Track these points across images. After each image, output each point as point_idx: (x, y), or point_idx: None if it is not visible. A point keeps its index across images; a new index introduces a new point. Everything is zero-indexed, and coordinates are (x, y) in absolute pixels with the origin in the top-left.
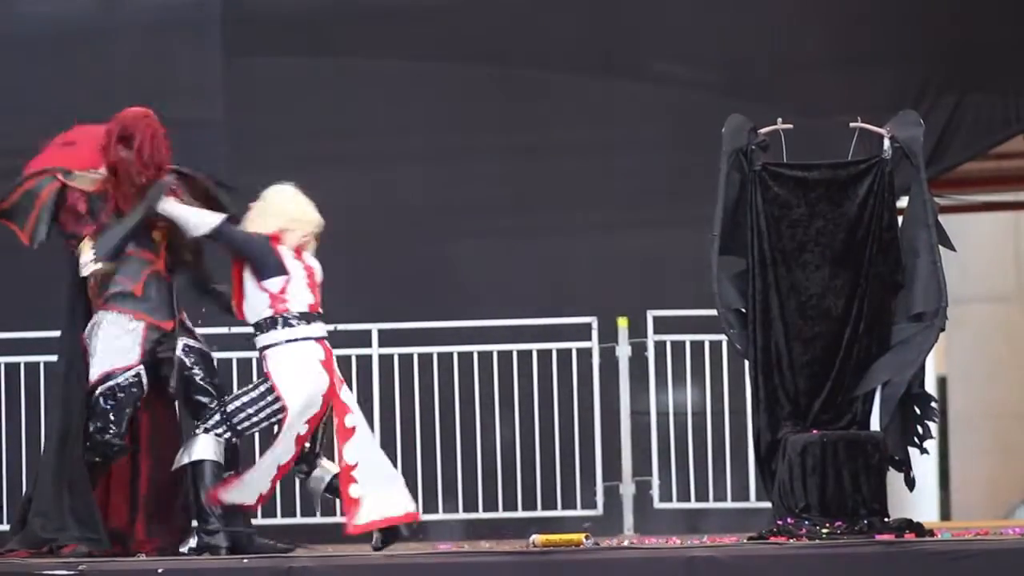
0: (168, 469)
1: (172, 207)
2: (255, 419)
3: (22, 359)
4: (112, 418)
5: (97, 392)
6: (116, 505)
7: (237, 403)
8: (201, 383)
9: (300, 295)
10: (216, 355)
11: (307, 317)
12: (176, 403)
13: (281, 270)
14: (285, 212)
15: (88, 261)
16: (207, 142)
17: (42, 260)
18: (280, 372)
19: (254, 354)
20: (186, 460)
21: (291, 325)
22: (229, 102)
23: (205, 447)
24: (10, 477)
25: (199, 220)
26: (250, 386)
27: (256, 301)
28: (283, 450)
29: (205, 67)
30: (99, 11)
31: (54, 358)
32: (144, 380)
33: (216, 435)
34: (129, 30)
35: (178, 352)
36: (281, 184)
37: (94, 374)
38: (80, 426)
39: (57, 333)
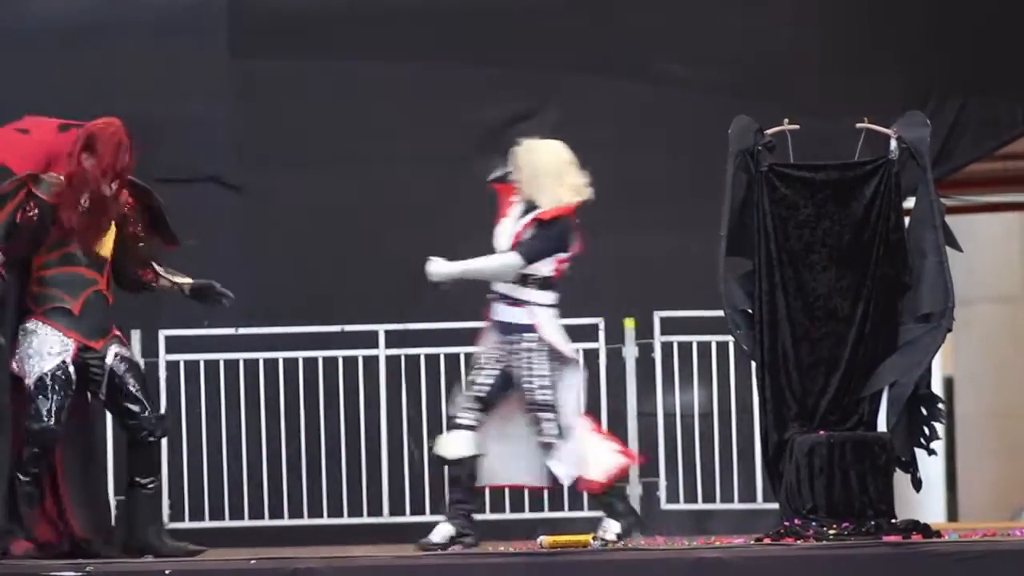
0: (79, 465)
1: (461, 267)
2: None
3: None
4: (43, 407)
5: (27, 382)
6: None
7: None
8: (132, 391)
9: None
10: (223, 356)
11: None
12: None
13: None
14: (569, 181)
15: None
16: (211, 142)
17: None
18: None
19: (260, 355)
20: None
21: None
22: (234, 102)
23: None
24: None
25: (501, 264)
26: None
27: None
28: None
29: (210, 67)
30: (104, 10)
31: None
32: (72, 373)
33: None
34: (134, 29)
35: (109, 360)
36: (539, 141)
37: (28, 375)
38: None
39: None
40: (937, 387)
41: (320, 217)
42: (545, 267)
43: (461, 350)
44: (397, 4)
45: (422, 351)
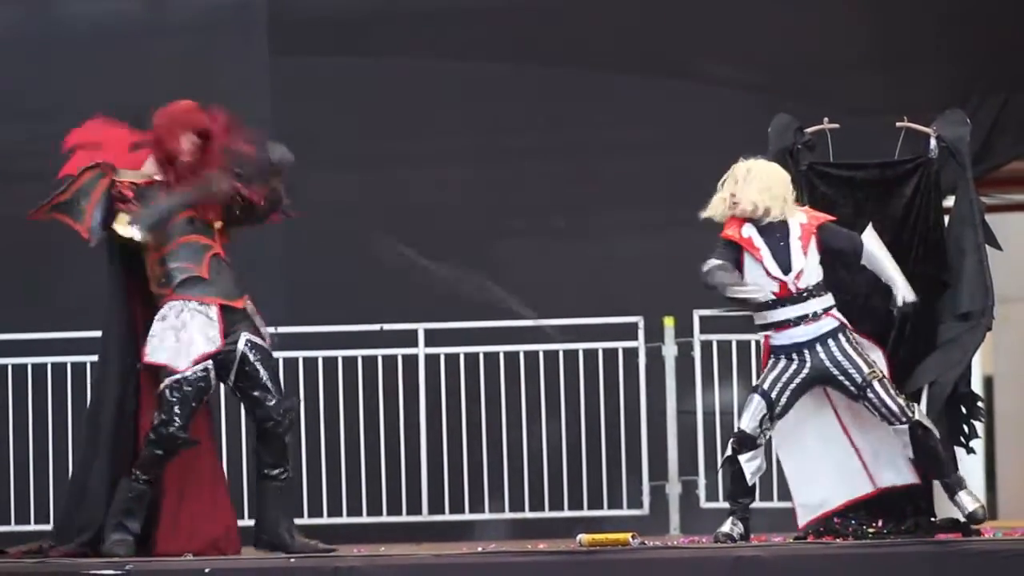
0: (192, 466)
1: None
2: None
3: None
4: (177, 411)
5: (164, 385)
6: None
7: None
8: (262, 379)
9: None
10: None
11: None
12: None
13: None
14: (778, 192)
15: (125, 225)
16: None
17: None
18: None
19: (300, 353)
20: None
21: None
22: (274, 102)
23: None
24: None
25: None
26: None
27: (815, 268)
28: None
29: (250, 67)
30: (144, 12)
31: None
32: (212, 375)
33: None
34: (174, 30)
35: (241, 345)
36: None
37: (178, 361)
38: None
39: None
40: (977, 386)
41: (361, 215)
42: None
43: (500, 349)
44: (439, 3)
45: (461, 350)
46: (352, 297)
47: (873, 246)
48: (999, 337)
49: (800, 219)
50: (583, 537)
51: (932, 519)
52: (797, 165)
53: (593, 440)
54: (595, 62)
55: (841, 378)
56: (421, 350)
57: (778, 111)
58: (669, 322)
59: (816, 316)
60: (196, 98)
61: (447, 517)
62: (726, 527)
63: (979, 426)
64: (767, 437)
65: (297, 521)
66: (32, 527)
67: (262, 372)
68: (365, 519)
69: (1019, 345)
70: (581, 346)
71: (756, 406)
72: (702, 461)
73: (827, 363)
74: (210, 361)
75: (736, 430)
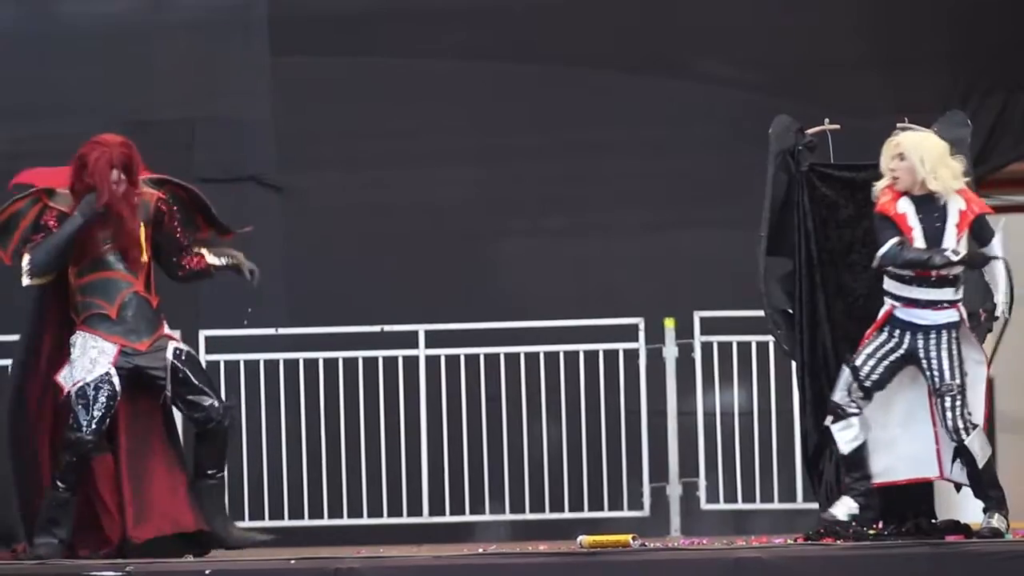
0: (146, 464)
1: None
2: None
3: None
4: (83, 417)
5: (68, 391)
6: (105, 505)
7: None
8: (196, 383)
9: None
10: (263, 356)
11: None
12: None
13: None
14: (954, 168)
15: (24, 274)
16: (252, 141)
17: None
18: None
19: (300, 355)
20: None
21: None
22: (276, 102)
23: None
24: None
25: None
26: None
27: None
28: None
29: (251, 67)
30: (145, 11)
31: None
32: (116, 382)
33: None
34: (175, 30)
35: (169, 356)
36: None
37: (68, 383)
38: (23, 431)
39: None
40: None
41: (360, 216)
42: None
43: (501, 350)
44: (439, 2)
45: (462, 351)
46: (352, 298)
47: (996, 247)
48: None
49: (960, 204)
50: (584, 538)
51: (933, 520)
52: (798, 166)
53: (594, 441)
54: (596, 62)
55: (927, 371)
56: (422, 351)
57: (779, 112)
58: (670, 323)
59: (945, 305)
60: (197, 99)
61: (448, 519)
62: (836, 508)
63: None
64: (859, 408)
65: (298, 523)
66: None
67: (193, 376)
68: (366, 520)
69: (1021, 346)
70: (582, 347)
71: (844, 377)
72: (703, 463)
73: (921, 351)
74: (112, 369)
75: (830, 401)
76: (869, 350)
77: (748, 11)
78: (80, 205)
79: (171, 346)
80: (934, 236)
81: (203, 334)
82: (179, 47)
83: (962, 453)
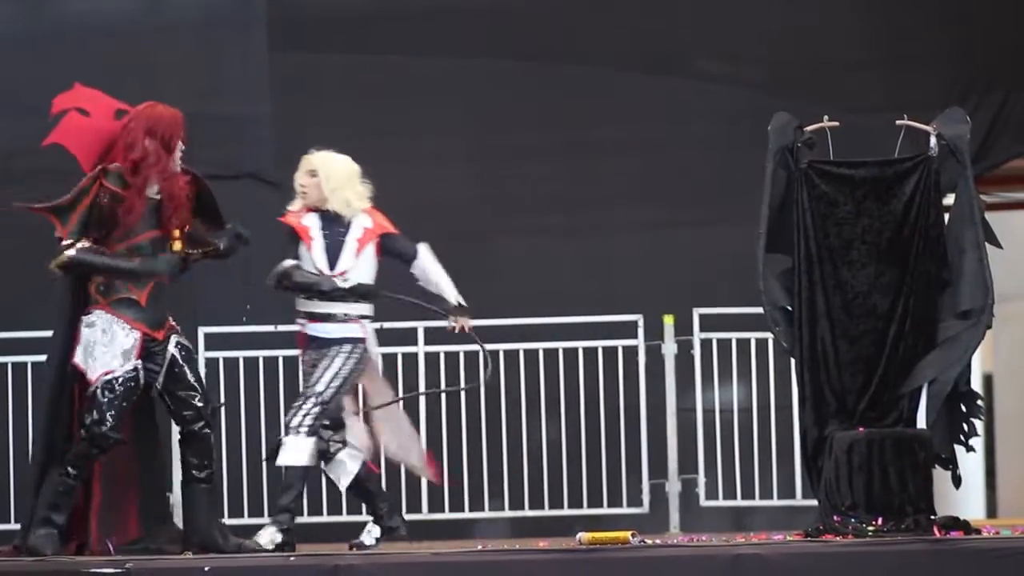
0: (142, 462)
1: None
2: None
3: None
4: (109, 411)
5: (95, 386)
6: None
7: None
8: (191, 380)
9: None
10: (262, 353)
11: None
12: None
13: None
14: (361, 192)
15: (60, 262)
16: (253, 138)
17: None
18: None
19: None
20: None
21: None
22: (275, 99)
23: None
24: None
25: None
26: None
27: (369, 272)
28: None
29: (250, 64)
30: (144, 9)
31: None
32: (141, 376)
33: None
34: (175, 28)
35: (171, 349)
36: (332, 153)
37: (95, 370)
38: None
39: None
40: (976, 384)
41: None
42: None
43: (500, 347)
44: (440, 1)
45: (461, 348)
46: None
47: (426, 258)
48: (999, 335)
49: (366, 222)
50: (583, 535)
51: (932, 517)
52: (797, 163)
53: (593, 438)
54: (595, 60)
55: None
56: (421, 348)
57: (778, 109)
58: (669, 320)
59: (341, 319)
60: (196, 95)
61: (447, 515)
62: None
63: (979, 424)
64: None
65: (298, 520)
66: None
67: (189, 373)
68: (365, 517)
69: (1019, 343)
70: (581, 344)
71: (317, 413)
72: (702, 459)
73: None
74: (140, 362)
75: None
76: (327, 377)
77: (748, 9)
78: (155, 263)
79: (174, 339)
80: (335, 249)
81: (202, 331)
82: (177, 44)
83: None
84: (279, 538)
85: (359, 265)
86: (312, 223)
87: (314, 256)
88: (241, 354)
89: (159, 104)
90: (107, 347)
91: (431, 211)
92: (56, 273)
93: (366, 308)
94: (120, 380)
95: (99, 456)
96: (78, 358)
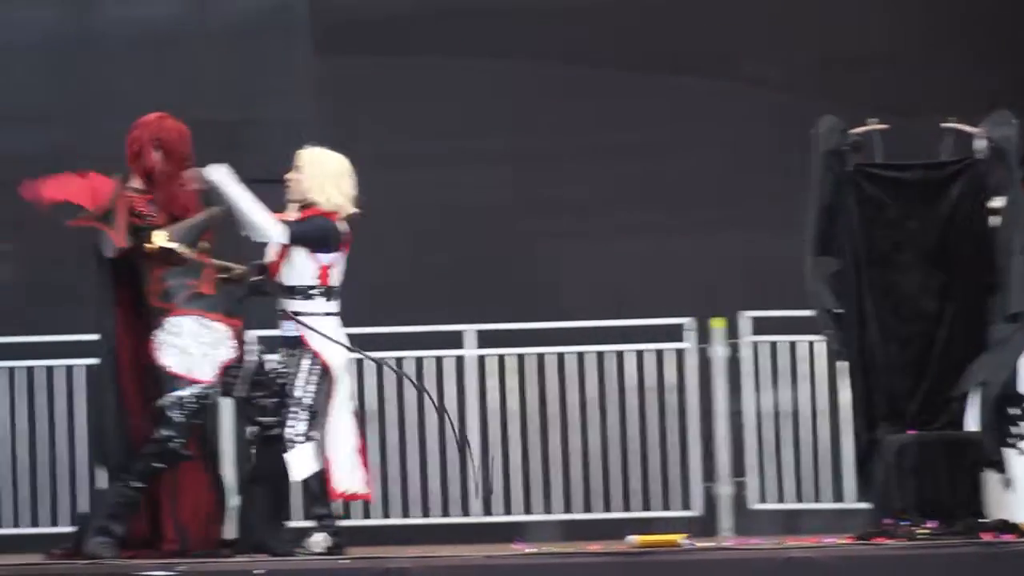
0: (198, 473)
1: (237, 190)
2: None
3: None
4: (180, 427)
5: (166, 401)
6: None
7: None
8: (274, 387)
9: (339, 273)
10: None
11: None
12: None
13: (337, 246)
14: (345, 191)
15: (164, 239)
16: (296, 142)
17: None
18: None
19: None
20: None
21: (334, 298)
22: (319, 102)
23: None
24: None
25: (265, 222)
26: (298, 367)
27: (303, 268)
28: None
29: (293, 68)
30: (188, 14)
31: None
32: (216, 393)
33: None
34: (218, 32)
35: (255, 355)
36: (324, 149)
37: (202, 375)
38: (114, 425)
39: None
40: None
41: (404, 216)
42: (309, 273)
43: (550, 350)
44: (480, 2)
45: (510, 351)
46: (401, 298)
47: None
48: None
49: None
50: (634, 538)
51: (982, 520)
52: (844, 166)
53: (643, 441)
54: (639, 62)
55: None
56: (469, 352)
57: (824, 111)
58: (718, 323)
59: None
60: (240, 100)
61: (498, 518)
62: (312, 542)
63: None
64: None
65: (349, 522)
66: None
67: (270, 382)
68: (416, 520)
69: None
70: (631, 347)
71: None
72: (753, 462)
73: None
74: (215, 378)
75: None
76: (299, 382)
77: (792, 9)
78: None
79: (256, 347)
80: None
81: (254, 335)
82: (220, 49)
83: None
84: (330, 541)
85: (285, 262)
86: None
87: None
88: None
89: (168, 117)
90: (201, 354)
91: (475, 213)
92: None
93: (301, 305)
94: (191, 397)
95: (163, 471)
96: (175, 365)
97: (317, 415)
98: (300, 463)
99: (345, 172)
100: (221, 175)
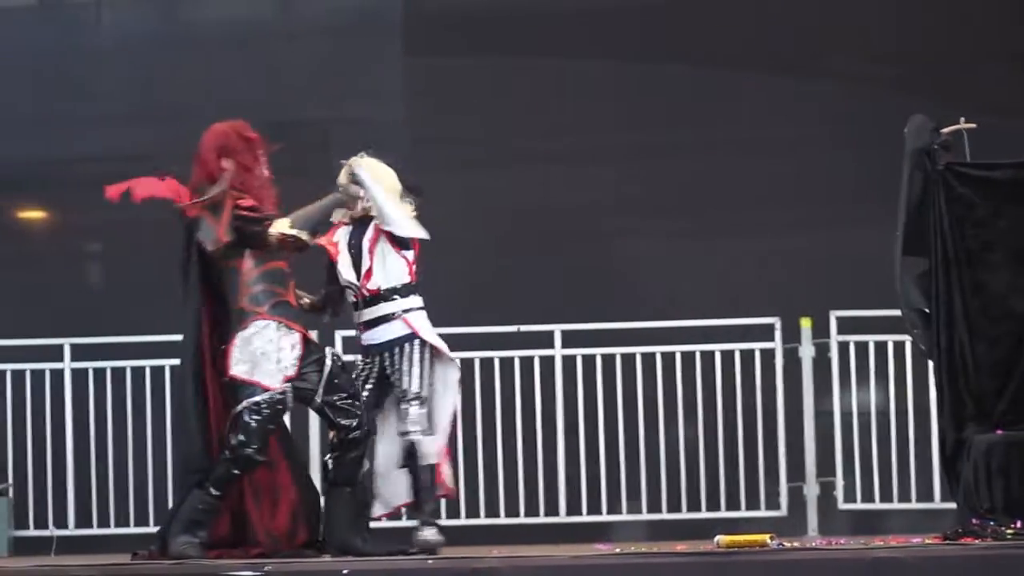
0: (282, 474)
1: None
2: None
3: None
4: (256, 434)
5: (242, 407)
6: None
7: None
8: (347, 388)
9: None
10: None
11: None
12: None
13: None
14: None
15: (288, 227)
16: (388, 142)
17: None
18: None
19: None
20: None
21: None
22: (408, 103)
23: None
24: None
25: (405, 223)
26: (412, 361)
27: (398, 268)
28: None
29: (384, 68)
30: (278, 14)
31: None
32: (290, 398)
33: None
34: (306, 32)
35: (328, 361)
36: (378, 161)
37: (271, 381)
38: (196, 427)
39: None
40: None
41: (497, 216)
42: (403, 271)
43: (637, 350)
44: (571, 2)
45: (598, 351)
46: (488, 298)
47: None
48: None
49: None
50: (721, 538)
51: None
52: (934, 165)
53: (731, 441)
54: (729, 61)
55: (397, 384)
56: (558, 351)
57: (913, 110)
58: (806, 323)
59: (392, 318)
60: (332, 100)
61: (585, 518)
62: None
63: None
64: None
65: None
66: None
67: (346, 382)
68: (503, 520)
69: None
70: (718, 347)
71: None
72: (840, 462)
73: (388, 367)
74: (289, 384)
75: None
76: (414, 375)
77: (881, 7)
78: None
79: (328, 351)
80: (357, 257)
81: (339, 335)
82: (310, 49)
83: (411, 456)
84: (441, 538)
85: (379, 264)
86: (341, 237)
87: (342, 270)
88: None
89: (238, 124)
90: (275, 360)
91: (564, 213)
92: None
93: (405, 302)
94: (266, 403)
95: (241, 477)
96: (242, 371)
97: (432, 407)
98: (430, 450)
99: (396, 188)
100: (368, 166)
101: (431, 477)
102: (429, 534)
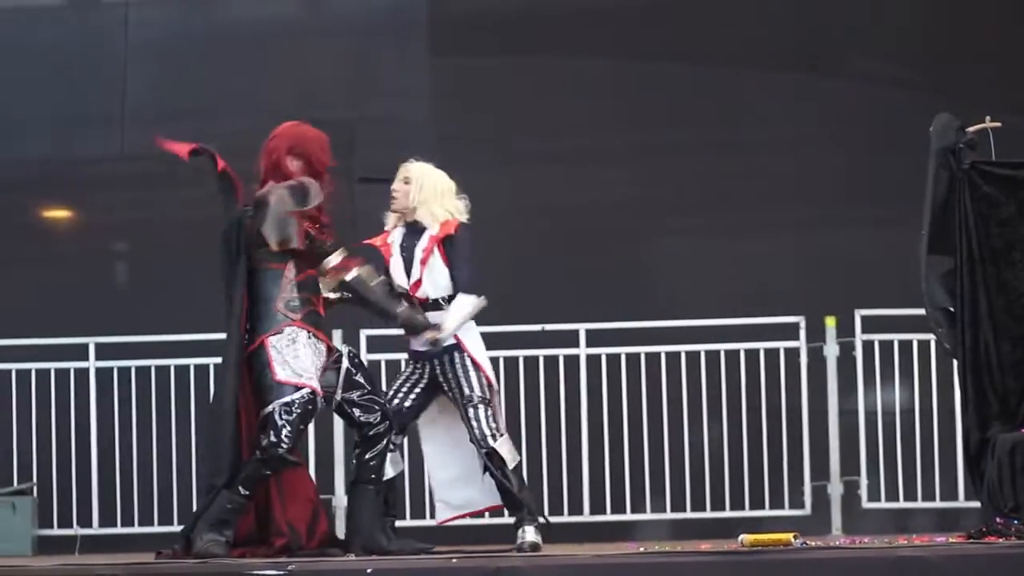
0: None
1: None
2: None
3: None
4: (286, 434)
5: (272, 407)
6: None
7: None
8: (366, 383)
9: None
10: None
11: None
12: None
13: None
14: (449, 207)
15: (344, 269)
16: (412, 142)
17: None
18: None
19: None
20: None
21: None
22: (434, 101)
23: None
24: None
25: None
26: (465, 367)
27: (444, 279)
28: None
29: (409, 68)
30: (304, 14)
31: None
32: (319, 399)
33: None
34: (333, 32)
35: (344, 360)
36: (431, 166)
37: (306, 381)
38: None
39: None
40: None
41: (521, 214)
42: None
43: (661, 349)
44: (596, 1)
45: (623, 350)
46: (513, 297)
47: (456, 307)
48: None
49: (433, 230)
50: (745, 537)
51: None
52: (959, 164)
53: (754, 440)
54: (752, 60)
55: (450, 392)
56: (583, 350)
57: (938, 109)
58: (831, 322)
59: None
60: (357, 99)
61: (608, 517)
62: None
63: None
64: (399, 441)
65: (459, 521)
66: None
67: (364, 377)
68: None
69: None
70: (742, 346)
71: None
72: (864, 461)
73: (439, 375)
74: (317, 385)
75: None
76: (396, 384)
77: (905, 7)
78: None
79: (344, 349)
80: (409, 262)
81: (364, 333)
82: (336, 49)
83: (491, 459)
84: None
85: (428, 275)
86: (395, 239)
87: (393, 272)
88: (403, 356)
89: (304, 124)
90: (308, 364)
91: (592, 212)
92: (329, 293)
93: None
94: (298, 403)
95: (271, 477)
96: (283, 375)
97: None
98: (510, 452)
99: (449, 190)
100: (465, 310)
101: (520, 476)
102: (531, 533)
